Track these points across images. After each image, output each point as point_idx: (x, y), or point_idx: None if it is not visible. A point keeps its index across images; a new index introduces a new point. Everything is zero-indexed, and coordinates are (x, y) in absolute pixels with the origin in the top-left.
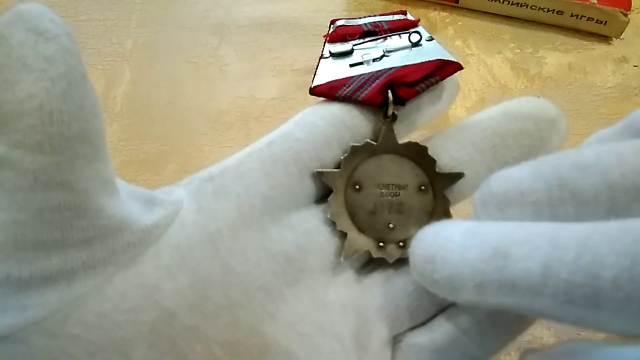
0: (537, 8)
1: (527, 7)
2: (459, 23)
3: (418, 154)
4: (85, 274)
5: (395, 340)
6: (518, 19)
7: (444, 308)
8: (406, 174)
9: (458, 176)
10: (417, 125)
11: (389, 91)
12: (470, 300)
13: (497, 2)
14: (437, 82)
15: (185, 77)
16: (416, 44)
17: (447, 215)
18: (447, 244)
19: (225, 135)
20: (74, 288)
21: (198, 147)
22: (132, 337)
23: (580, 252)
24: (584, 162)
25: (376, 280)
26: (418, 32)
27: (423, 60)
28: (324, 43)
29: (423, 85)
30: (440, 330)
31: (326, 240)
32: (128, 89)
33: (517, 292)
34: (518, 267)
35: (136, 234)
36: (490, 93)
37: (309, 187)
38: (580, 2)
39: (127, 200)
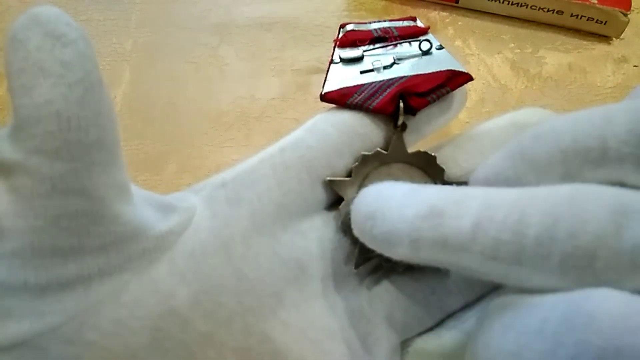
0: (537, 8)
1: (527, 7)
2: (459, 23)
3: (427, 163)
4: (101, 280)
5: (404, 346)
6: (518, 19)
7: (451, 314)
8: (415, 182)
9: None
10: (426, 134)
11: (400, 101)
12: (405, 256)
13: (497, 2)
14: (447, 92)
15: (185, 77)
16: (426, 52)
17: None
18: (388, 201)
19: (225, 135)
20: (90, 294)
21: (198, 147)
22: (147, 343)
23: (509, 212)
24: (541, 131)
25: (386, 287)
26: (428, 40)
27: (434, 70)
28: (334, 48)
29: (434, 96)
30: (448, 336)
31: (337, 248)
32: (128, 89)
33: (448, 248)
34: (451, 225)
35: (151, 240)
36: (490, 93)
37: (320, 194)
38: (580, 2)
39: (142, 206)
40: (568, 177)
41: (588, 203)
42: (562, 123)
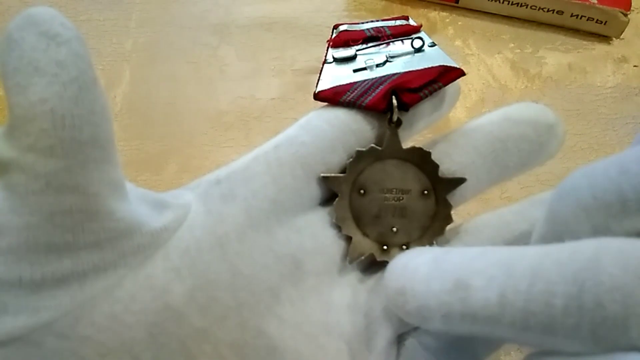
0: (537, 8)
1: (527, 7)
2: (459, 23)
3: (421, 159)
4: (96, 276)
5: (400, 339)
6: (518, 19)
7: None
8: (410, 178)
9: (460, 181)
10: (419, 130)
11: (393, 97)
12: (441, 329)
13: (497, 2)
14: (440, 88)
15: (185, 77)
16: (419, 50)
17: (448, 219)
18: (414, 275)
19: (225, 135)
20: (85, 290)
21: (198, 147)
22: (142, 338)
23: (533, 280)
24: (562, 190)
25: (381, 280)
26: (420, 38)
27: (426, 66)
28: (327, 48)
29: (426, 91)
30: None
31: (331, 243)
32: (128, 89)
33: (479, 321)
34: (478, 298)
35: (146, 236)
36: (490, 93)
37: (315, 190)
38: (580, 2)
39: (137, 203)
40: (598, 232)
41: (613, 267)
42: (580, 180)
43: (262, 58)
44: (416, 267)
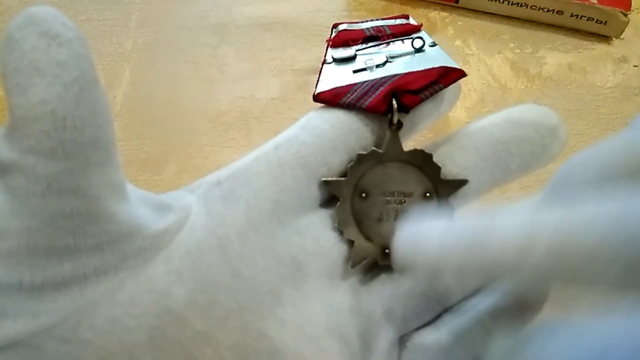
0: (537, 8)
1: (527, 7)
2: (459, 23)
3: (423, 161)
4: (97, 279)
5: (402, 340)
6: (518, 19)
7: (448, 308)
8: (411, 181)
9: (462, 183)
10: (420, 130)
11: (393, 99)
12: (452, 279)
13: (497, 2)
14: (440, 89)
15: (185, 77)
16: (419, 50)
17: None
18: (431, 231)
19: (225, 135)
20: (86, 294)
21: (198, 147)
22: (143, 342)
23: (560, 222)
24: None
25: (383, 282)
26: (421, 38)
27: (426, 67)
28: (327, 48)
29: (427, 93)
30: (445, 330)
31: (333, 245)
32: (128, 89)
33: (499, 266)
34: (500, 238)
35: (147, 239)
36: (490, 93)
37: (316, 191)
38: (580, 2)
39: (138, 206)
40: None
41: None
42: (587, 157)
43: (262, 58)
44: (432, 224)
